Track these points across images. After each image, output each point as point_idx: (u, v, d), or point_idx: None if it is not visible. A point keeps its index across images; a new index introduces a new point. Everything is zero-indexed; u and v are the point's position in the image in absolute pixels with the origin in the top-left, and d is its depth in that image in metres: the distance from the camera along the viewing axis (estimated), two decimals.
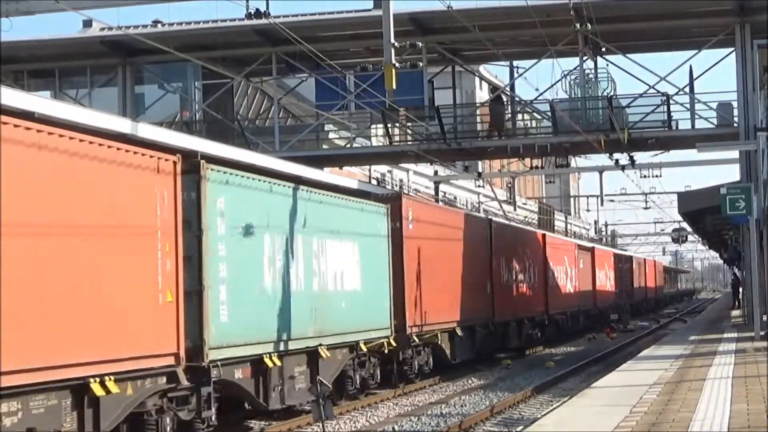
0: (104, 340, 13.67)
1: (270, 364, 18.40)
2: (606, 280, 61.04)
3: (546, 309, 42.76)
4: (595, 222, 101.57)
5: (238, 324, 17.30)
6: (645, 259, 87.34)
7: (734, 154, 35.85)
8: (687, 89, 34.53)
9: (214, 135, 31.67)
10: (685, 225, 72.14)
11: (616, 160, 37.56)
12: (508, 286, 36.97)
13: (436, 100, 35.82)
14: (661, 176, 43.07)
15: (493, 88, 38.08)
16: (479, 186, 65.24)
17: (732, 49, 34.03)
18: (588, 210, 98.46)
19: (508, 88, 38.21)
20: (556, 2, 30.63)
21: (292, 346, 19.38)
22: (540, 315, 41.81)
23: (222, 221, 17.01)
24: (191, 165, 16.27)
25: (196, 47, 34.32)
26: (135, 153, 14.81)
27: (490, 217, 41.20)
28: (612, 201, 73.42)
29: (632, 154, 36.74)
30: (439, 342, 28.09)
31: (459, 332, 30.08)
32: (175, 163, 15.72)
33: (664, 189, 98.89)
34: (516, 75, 37.26)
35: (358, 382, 23.53)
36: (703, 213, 40.17)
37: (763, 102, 32.86)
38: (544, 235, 45.13)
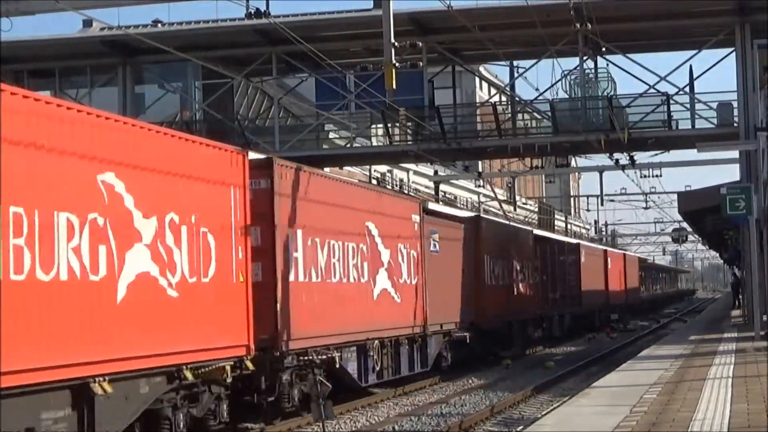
0: None
1: None
2: (513, 280, 36.72)
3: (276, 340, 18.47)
4: (595, 222, 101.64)
5: None
6: (606, 251, 63.10)
7: (734, 154, 35.86)
8: (687, 89, 34.56)
9: (215, 135, 31.67)
10: (685, 225, 72.21)
11: (616, 160, 37.58)
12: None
13: (436, 100, 35.84)
14: (661, 176, 43.11)
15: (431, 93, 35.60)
16: (479, 186, 65.32)
17: (732, 49, 34.04)
18: (588, 210, 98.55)
19: (508, 88, 38.27)
20: (556, 2, 30.63)
21: None
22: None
23: None
24: None
25: (196, 47, 34.31)
26: None
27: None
28: (612, 201, 73.43)
29: (632, 154, 36.77)
30: None
31: None
32: None
33: (664, 189, 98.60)
34: (516, 75, 37.30)
35: None
36: (703, 213, 40.20)
37: (763, 102, 32.88)
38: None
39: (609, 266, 59.70)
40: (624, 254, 72.58)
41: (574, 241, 57.32)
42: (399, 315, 24.74)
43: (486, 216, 41.90)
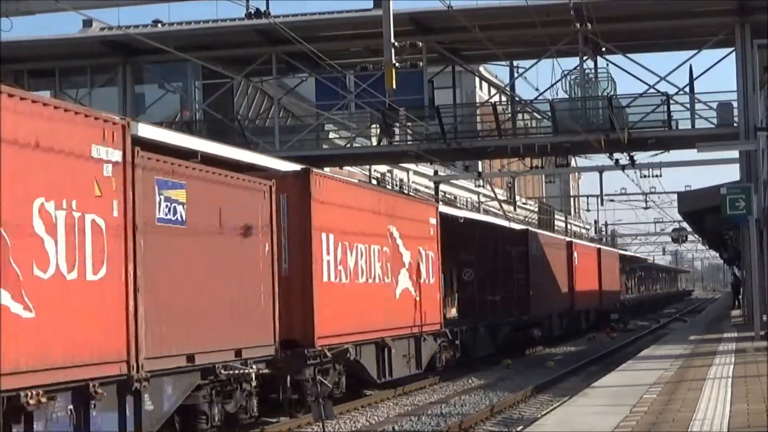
0: None
1: None
2: (392, 277, 24.15)
3: None
4: (595, 222, 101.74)
5: None
6: (571, 242, 49.83)
7: (734, 154, 35.86)
8: (687, 89, 34.57)
9: (215, 135, 31.70)
10: (685, 225, 72.21)
11: (616, 160, 37.59)
12: None
13: (436, 100, 35.85)
14: (661, 176, 43.10)
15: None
16: (479, 186, 65.31)
17: (732, 49, 34.05)
18: (588, 210, 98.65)
19: (508, 88, 38.29)
20: (556, 2, 30.64)
21: None
22: None
23: None
24: None
25: (196, 47, 34.33)
26: None
27: None
28: (612, 201, 73.46)
29: (632, 154, 36.79)
30: None
31: None
32: None
33: (664, 189, 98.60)
34: (516, 75, 37.33)
35: None
36: (703, 213, 40.18)
37: (763, 102, 32.89)
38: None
39: (576, 262, 47.63)
40: (599, 248, 59.04)
41: (519, 227, 42.22)
42: (34, 346, 11.65)
43: (326, 172, 24.27)
